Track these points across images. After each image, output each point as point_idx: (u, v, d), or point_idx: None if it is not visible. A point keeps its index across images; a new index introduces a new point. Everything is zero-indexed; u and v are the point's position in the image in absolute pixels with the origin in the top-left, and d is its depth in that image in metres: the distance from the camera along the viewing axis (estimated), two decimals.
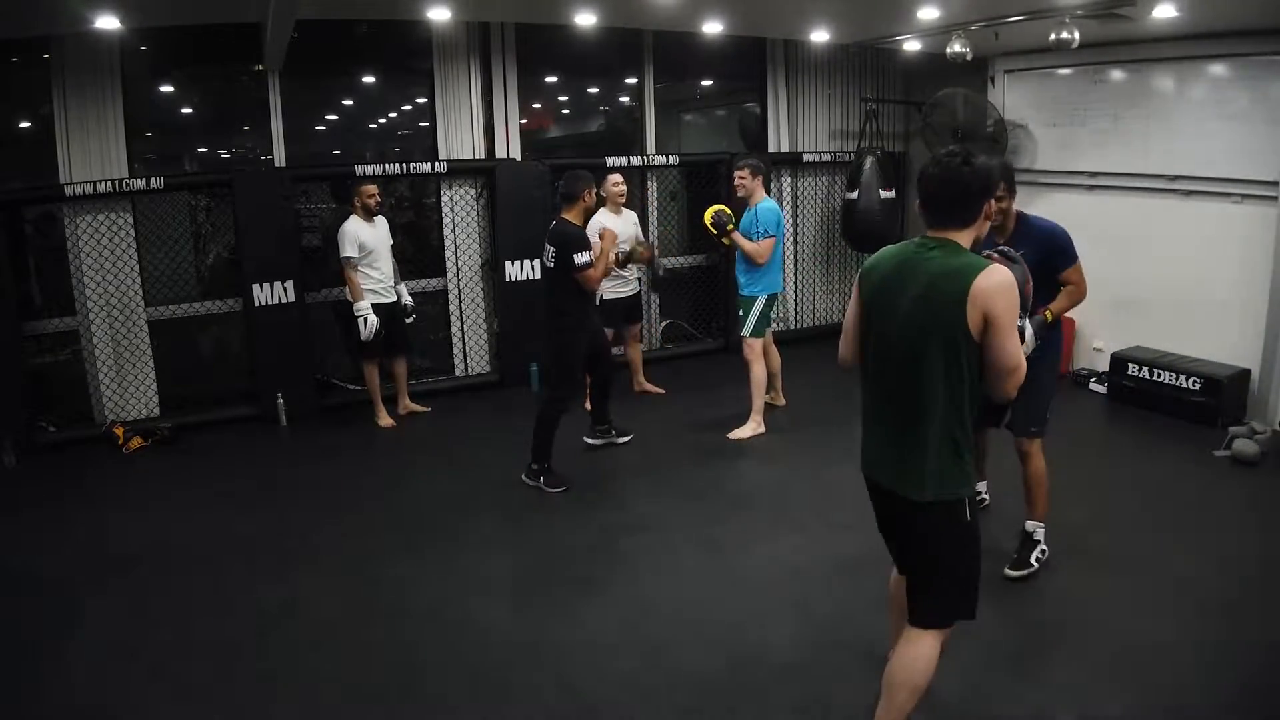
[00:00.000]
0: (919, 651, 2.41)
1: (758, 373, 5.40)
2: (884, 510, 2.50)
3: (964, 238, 2.32)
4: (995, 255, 2.54)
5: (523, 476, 4.73)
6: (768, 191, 5.53)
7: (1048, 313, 3.49)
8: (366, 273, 5.55)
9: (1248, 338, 5.47)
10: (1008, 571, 3.68)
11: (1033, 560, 3.67)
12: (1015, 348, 2.22)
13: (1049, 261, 3.49)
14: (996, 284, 2.18)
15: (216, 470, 5.18)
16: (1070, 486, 4.19)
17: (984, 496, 4.26)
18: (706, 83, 8.11)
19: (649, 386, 6.35)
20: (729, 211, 5.48)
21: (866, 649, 3.18)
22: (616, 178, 5.82)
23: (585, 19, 5.69)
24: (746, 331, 5.40)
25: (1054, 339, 3.71)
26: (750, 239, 5.29)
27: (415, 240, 6.90)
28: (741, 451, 5.24)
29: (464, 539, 4.16)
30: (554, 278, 4.67)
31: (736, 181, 5.44)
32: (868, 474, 2.48)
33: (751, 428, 5.44)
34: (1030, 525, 3.71)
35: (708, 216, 5.48)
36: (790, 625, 3.38)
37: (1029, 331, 2.43)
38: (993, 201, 2.38)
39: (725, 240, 5.42)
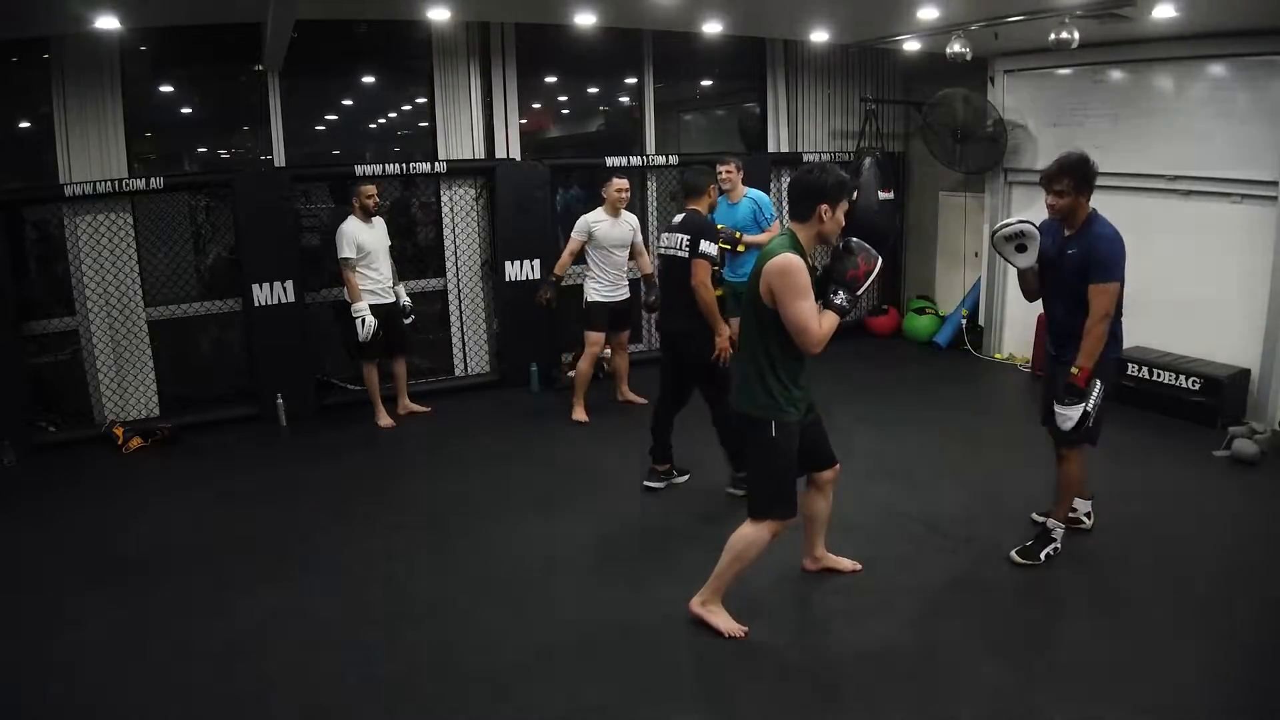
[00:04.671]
0: (744, 529, 3.20)
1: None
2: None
3: (803, 230, 3.02)
4: (846, 241, 3.08)
5: (730, 490, 4.45)
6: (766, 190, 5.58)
7: (1074, 370, 3.44)
8: (365, 273, 5.55)
9: (1248, 338, 5.47)
10: (1013, 555, 3.72)
11: (1041, 556, 3.69)
12: (798, 314, 2.88)
13: (1085, 269, 3.46)
14: (771, 267, 2.92)
15: (216, 470, 5.18)
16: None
17: (1083, 520, 3.99)
18: (706, 83, 8.10)
19: (631, 397, 6.14)
20: (726, 228, 5.42)
21: (871, 647, 3.19)
22: (622, 183, 5.65)
23: (585, 19, 5.69)
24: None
25: (1107, 355, 3.56)
26: (760, 229, 5.43)
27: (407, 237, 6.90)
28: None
29: (463, 539, 4.16)
30: (685, 268, 4.32)
31: (723, 175, 5.41)
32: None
33: None
34: (1050, 523, 3.73)
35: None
36: (791, 624, 3.38)
37: (838, 301, 3.00)
38: (828, 206, 2.96)
39: (740, 249, 5.35)
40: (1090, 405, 3.48)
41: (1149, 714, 2.78)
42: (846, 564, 3.73)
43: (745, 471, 4.39)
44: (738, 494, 4.38)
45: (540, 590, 3.68)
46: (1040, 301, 3.82)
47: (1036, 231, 3.63)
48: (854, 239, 3.11)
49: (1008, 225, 3.70)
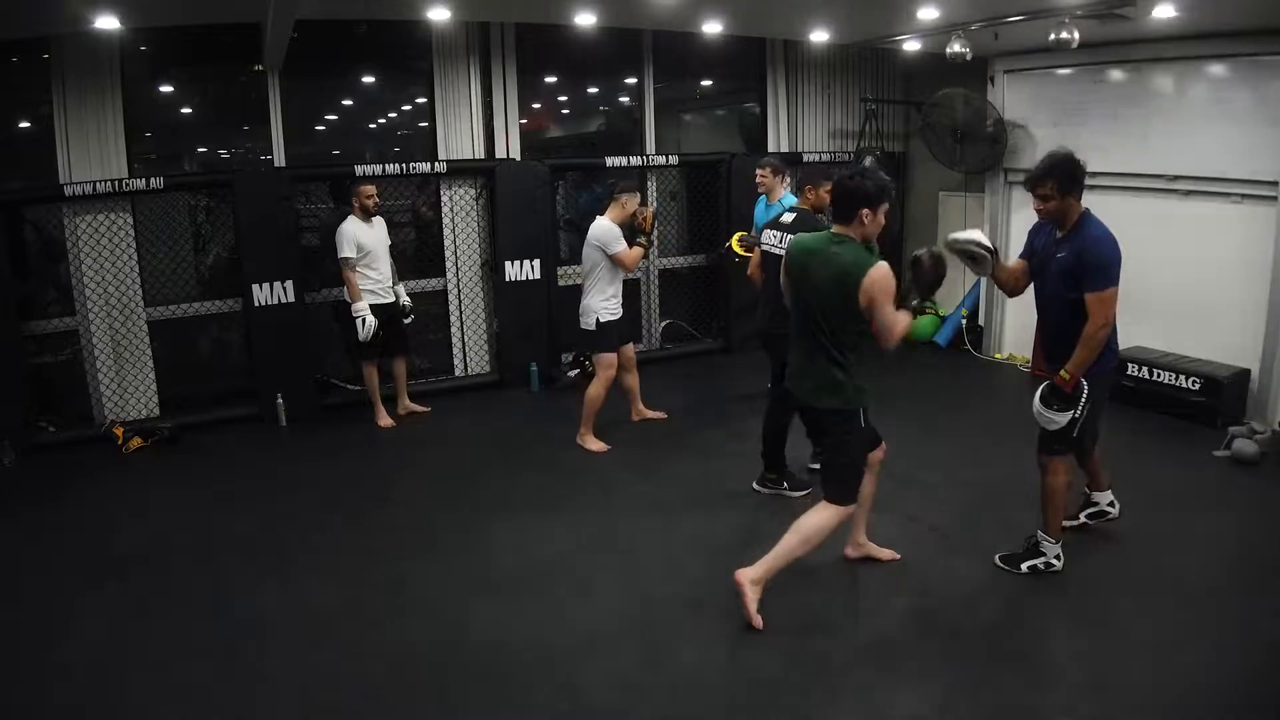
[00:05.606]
0: (820, 515, 3.32)
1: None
2: (804, 418, 3.52)
3: (850, 231, 3.20)
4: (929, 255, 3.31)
5: (755, 485, 4.55)
6: (782, 178, 5.53)
7: (1063, 374, 3.36)
8: (365, 273, 5.55)
9: (1248, 338, 5.46)
10: (995, 559, 3.70)
11: (1024, 567, 3.62)
12: (891, 318, 3.12)
13: (1077, 274, 3.34)
14: (873, 279, 3.09)
15: (216, 470, 5.18)
16: (1070, 487, 4.17)
17: (1108, 510, 3.98)
18: (706, 83, 8.11)
19: (649, 414, 5.79)
20: (749, 234, 5.52)
21: (871, 646, 3.19)
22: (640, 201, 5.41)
23: (585, 19, 5.69)
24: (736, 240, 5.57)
25: (1100, 368, 3.43)
26: None
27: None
28: (740, 447, 5.22)
29: (463, 539, 4.16)
30: None
31: (758, 179, 5.45)
32: (789, 387, 3.48)
33: None
34: (1040, 535, 3.63)
35: (736, 246, 5.56)
36: (792, 622, 3.38)
37: (913, 304, 3.30)
38: (869, 210, 3.13)
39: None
40: (1079, 412, 3.42)
41: (1149, 714, 2.78)
42: (885, 554, 3.79)
43: (775, 474, 4.51)
44: (763, 491, 4.54)
45: (541, 590, 3.67)
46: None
47: (987, 254, 3.55)
48: (922, 252, 3.33)
49: (957, 241, 3.60)
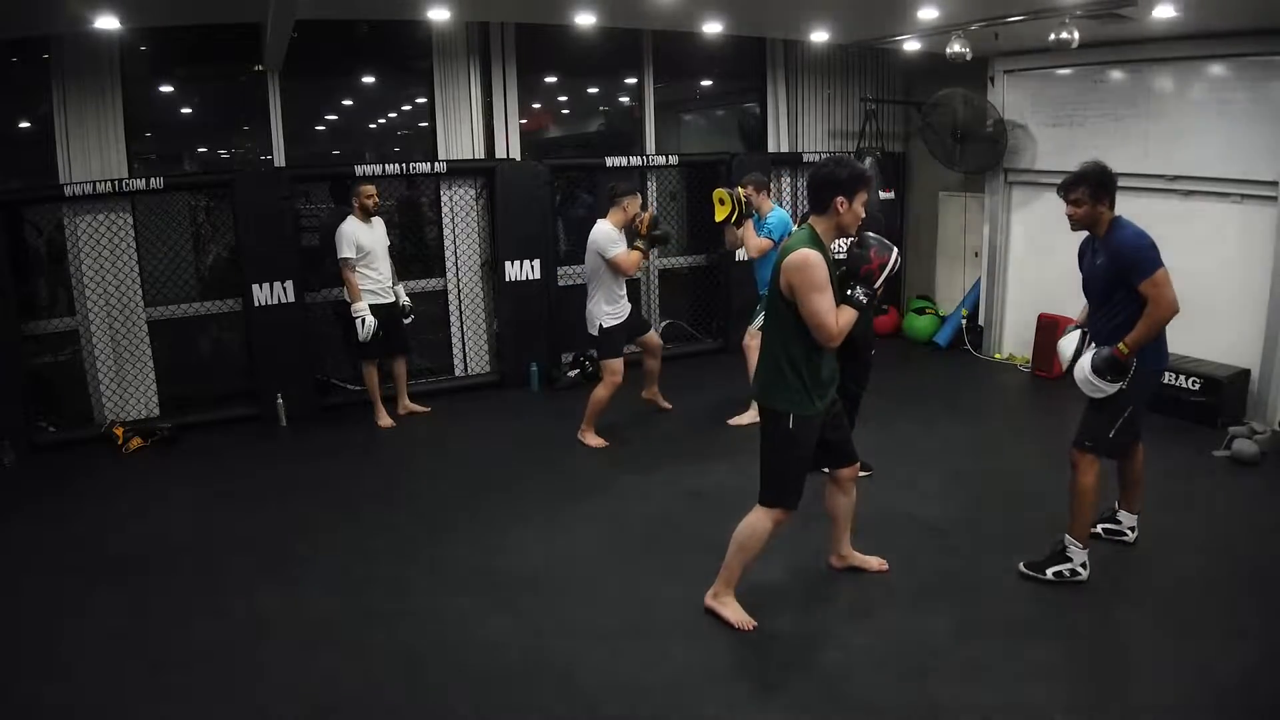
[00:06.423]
0: (750, 518, 3.27)
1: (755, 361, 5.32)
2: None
3: (821, 223, 3.09)
4: (860, 236, 3.17)
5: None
6: (767, 193, 5.49)
7: (1121, 346, 3.37)
8: (364, 273, 5.56)
9: (1248, 338, 5.46)
10: (1020, 566, 3.64)
11: (1049, 574, 3.55)
12: (814, 308, 2.96)
13: (1123, 276, 3.40)
14: (789, 263, 3.00)
15: (216, 470, 5.18)
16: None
17: (1125, 534, 3.89)
18: (706, 83, 8.11)
19: (659, 400, 5.89)
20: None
21: (873, 646, 3.19)
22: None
23: (585, 19, 5.69)
24: (757, 325, 5.34)
25: (1144, 362, 3.45)
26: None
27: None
28: (739, 448, 5.22)
29: (464, 539, 4.16)
30: None
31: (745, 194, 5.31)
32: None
33: (751, 414, 5.38)
34: (1067, 539, 3.56)
35: (723, 194, 5.24)
36: (794, 622, 3.38)
37: (855, 296, 3.07)
38: (844, 199, 3.02)
39: (734, 219, 5.17)
40: (1125, 384, 3.41)
41: (1149, 714, 2.79)
42: (874, 562, 3.73)
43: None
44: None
45: (541, 590, 3.67)
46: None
47: (1074, 346, 3.68)
48: (869, 234, 3.17)
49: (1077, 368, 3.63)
